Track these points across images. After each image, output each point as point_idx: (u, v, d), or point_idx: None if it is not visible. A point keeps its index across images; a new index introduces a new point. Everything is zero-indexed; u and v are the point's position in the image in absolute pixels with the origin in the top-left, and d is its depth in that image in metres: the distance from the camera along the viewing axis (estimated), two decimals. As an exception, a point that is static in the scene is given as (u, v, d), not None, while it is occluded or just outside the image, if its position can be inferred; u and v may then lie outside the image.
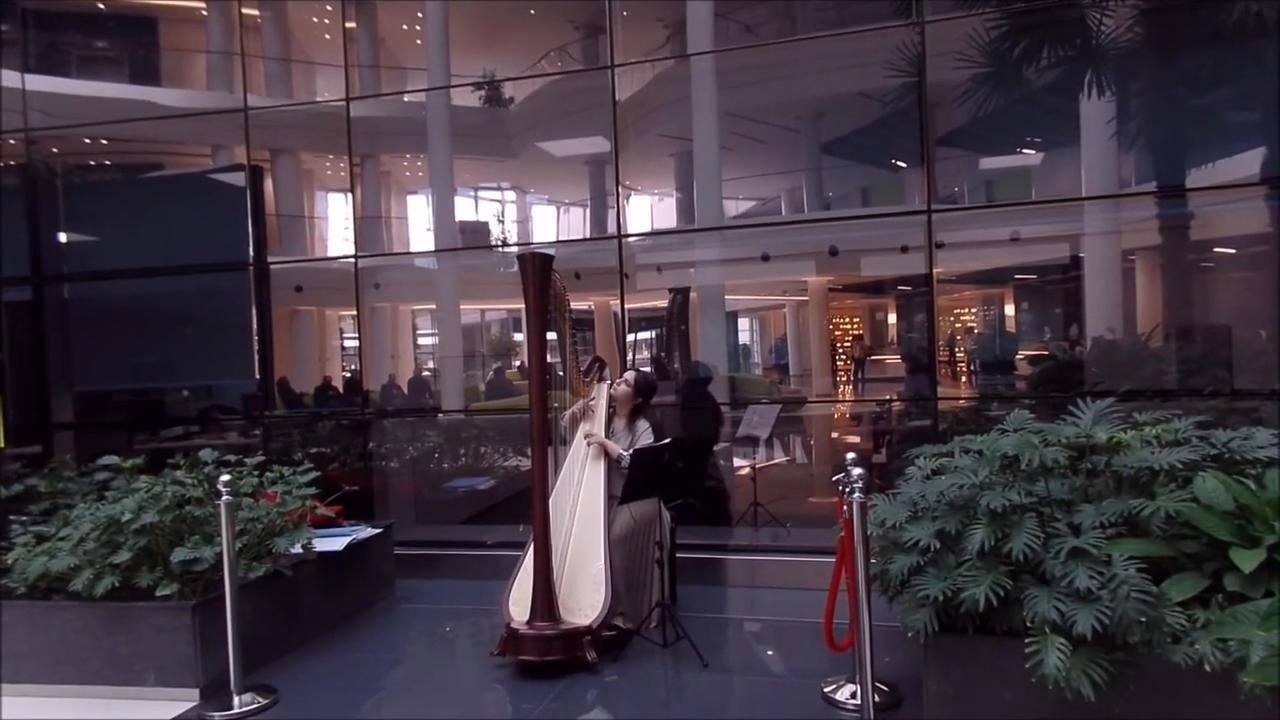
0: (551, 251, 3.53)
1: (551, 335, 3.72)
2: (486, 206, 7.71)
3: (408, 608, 4.49)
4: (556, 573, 3.53)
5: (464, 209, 7.42)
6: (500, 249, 6.82)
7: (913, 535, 2.66)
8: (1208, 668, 2.15)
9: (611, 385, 3.98)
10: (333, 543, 4.12)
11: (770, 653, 3.66)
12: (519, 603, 3.52)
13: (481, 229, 7.61)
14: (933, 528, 2.65)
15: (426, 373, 7.99)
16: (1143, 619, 2.23)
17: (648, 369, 5.64)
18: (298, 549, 3.78)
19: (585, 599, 3.46)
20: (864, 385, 9.13)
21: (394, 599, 4.63)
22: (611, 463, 3.86)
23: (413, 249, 7.34)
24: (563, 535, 3.68)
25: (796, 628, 3.89)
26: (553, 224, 7.72)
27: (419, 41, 6.73)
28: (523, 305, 3.45)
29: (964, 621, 2.50)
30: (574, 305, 3.83)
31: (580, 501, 3.79)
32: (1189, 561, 2.39)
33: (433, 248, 6.67)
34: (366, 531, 4.46)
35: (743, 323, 10.47)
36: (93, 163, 6.58)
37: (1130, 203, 4.87)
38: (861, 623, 2.66)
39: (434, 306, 7.42)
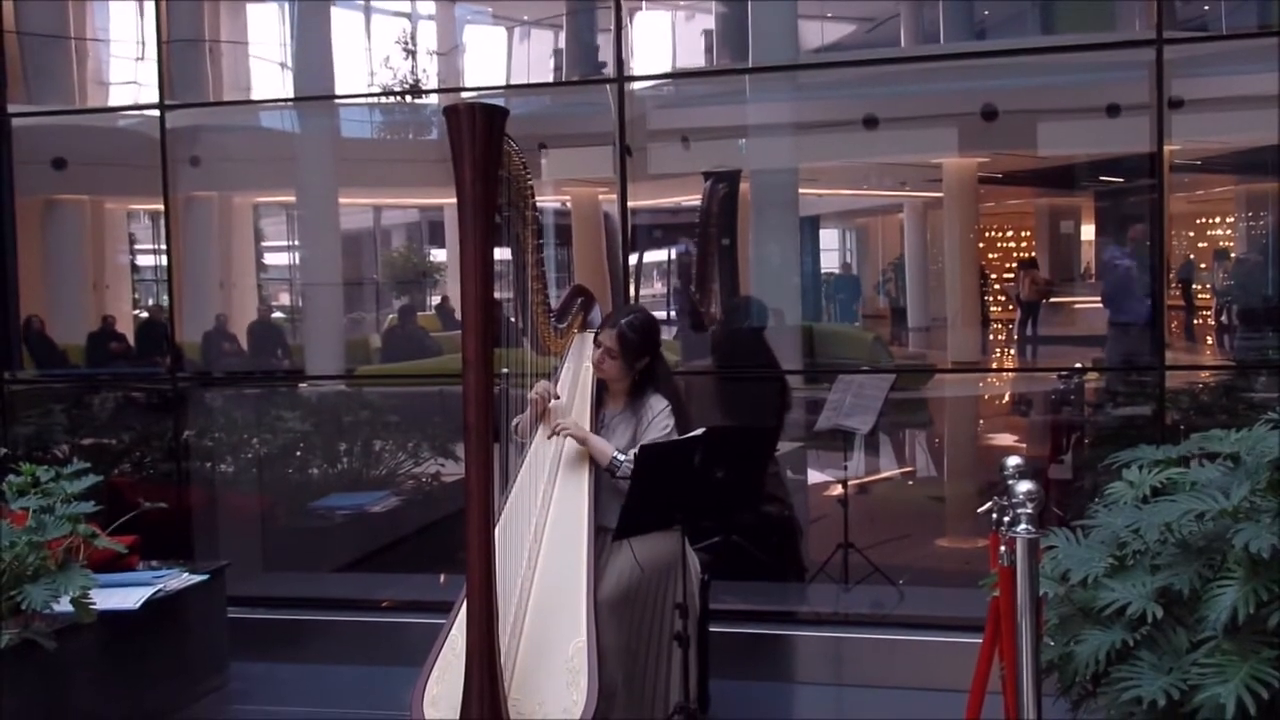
0: (503, 104, 3.49)
1: (503, 252, 3.71)
2: (388, 28, 7.60)
3: (247, 712, 4.50)
4: (505, 654, 3.55)
5: (349, 31, 7.32)
6: (412, 99, 6.74)
7: (1116, 596, 2.69)
8: None
9: (596, 342, 4.02)
10: (123, 596, 4.13)
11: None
12: (441, 704, 3.55)
13: (380, 66, 7.52)
14: (1151, 584, 2.68)
15: (280, 314, 8.01)
16: None
17: (657, 314, 5.63)
18: (64, 605, 3.80)
19: (553, 699, 3.50)
20: (1037, 346, 9.06)
21: (225, 696, 4.65)
22: (600, 471, 3.88)
23: (257, 97, 7.27)
24: (517, 592, 3.71)
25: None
26: (503, 58, 7.63)
27: None
28: (451, 200, 3.43)
29: (1198, 741, 2.52)
30: (541, 200, 3.87)
31: (548, 535, 3.82)
32: None
33: (290, 94, 6.62)
34: (180, 579, 4.46)
35: (828, 235, 10.44)
36: None
37: None
38: (1025, 743, 2.68)
39: (293, 199, 7.38)
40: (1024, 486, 2.80)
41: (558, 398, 4.04)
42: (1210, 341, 7.57)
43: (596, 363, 4.00)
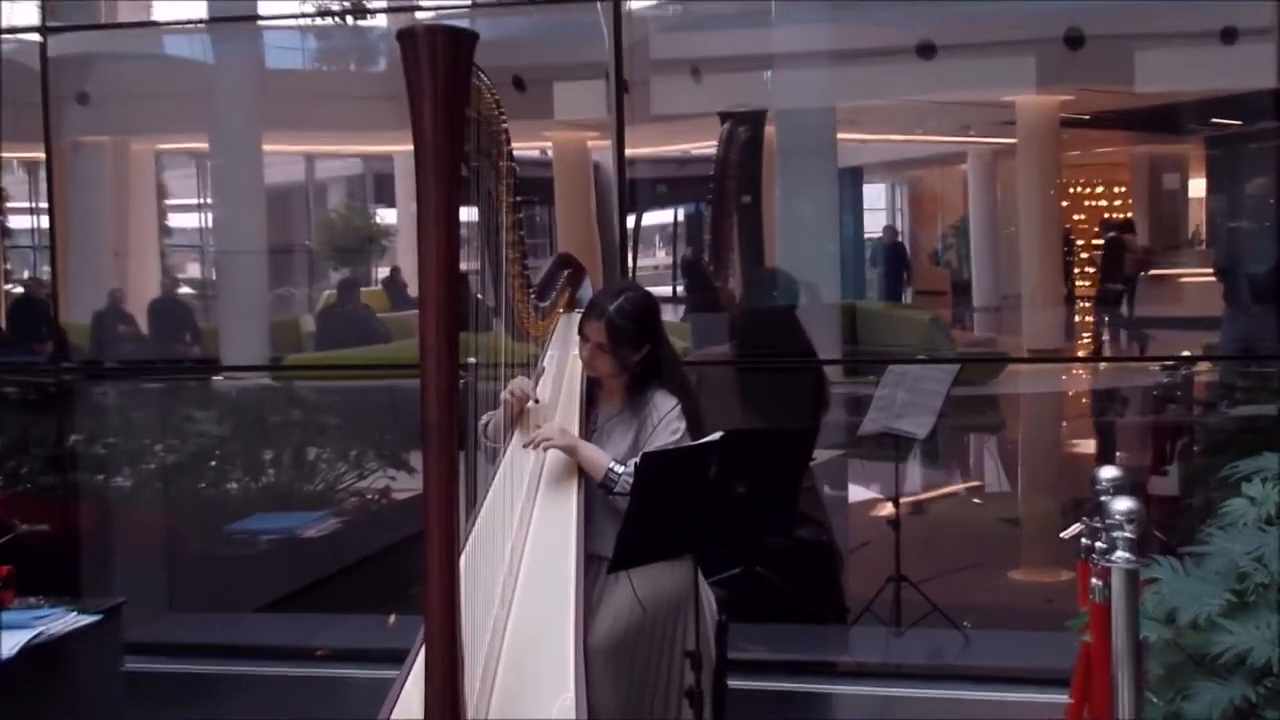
0: (469, 26, 3.27)
1: (471, 211, 3.53)
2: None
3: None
4: (474, 711, 3.32)
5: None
6: (355, 20, 6.55)
7: (1235, 641, 2.61)
8: None
9: (582, 334, 3.89)
10: (-5, 642, 4.23)
11: None
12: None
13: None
14: (1278, 625, 2.61)
15: (189, 289, 7.84)
16: None
17: (662, 290, 5.27)
18: (-76, 653, 3.84)
19: (533, 769, 3.56)
20: (1134, 330, 8.94)
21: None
22: (593, 486, 3.70)
23: (162, 18, 7.10)
24: (488, 636, 3.52)
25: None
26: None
27: None
28: (404, 147, 3.35)
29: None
30: (518, 148, 3.64)
31: (526, 566, 3.64)
32: None
33: (204, 15, 6.43)
34: (65, 621, 4.26)
35: (874, 191, 10.33)
36: None
37: None
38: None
39: (206, 146, 7.16)
40: (1121, 505, 2.65)
41: (537, 401, 3.84)
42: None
43: (586, 360, 3.85)
